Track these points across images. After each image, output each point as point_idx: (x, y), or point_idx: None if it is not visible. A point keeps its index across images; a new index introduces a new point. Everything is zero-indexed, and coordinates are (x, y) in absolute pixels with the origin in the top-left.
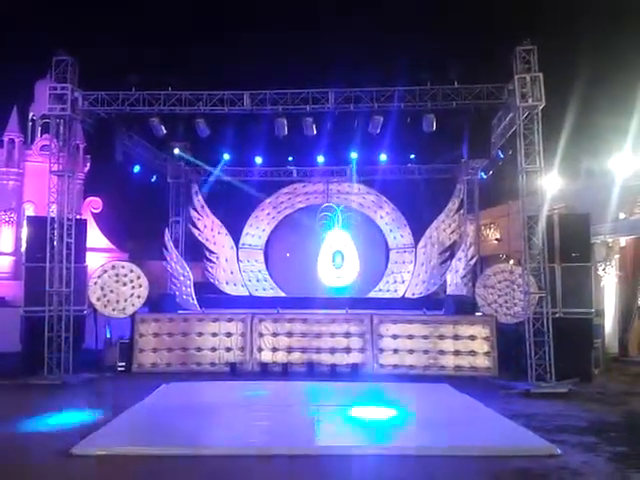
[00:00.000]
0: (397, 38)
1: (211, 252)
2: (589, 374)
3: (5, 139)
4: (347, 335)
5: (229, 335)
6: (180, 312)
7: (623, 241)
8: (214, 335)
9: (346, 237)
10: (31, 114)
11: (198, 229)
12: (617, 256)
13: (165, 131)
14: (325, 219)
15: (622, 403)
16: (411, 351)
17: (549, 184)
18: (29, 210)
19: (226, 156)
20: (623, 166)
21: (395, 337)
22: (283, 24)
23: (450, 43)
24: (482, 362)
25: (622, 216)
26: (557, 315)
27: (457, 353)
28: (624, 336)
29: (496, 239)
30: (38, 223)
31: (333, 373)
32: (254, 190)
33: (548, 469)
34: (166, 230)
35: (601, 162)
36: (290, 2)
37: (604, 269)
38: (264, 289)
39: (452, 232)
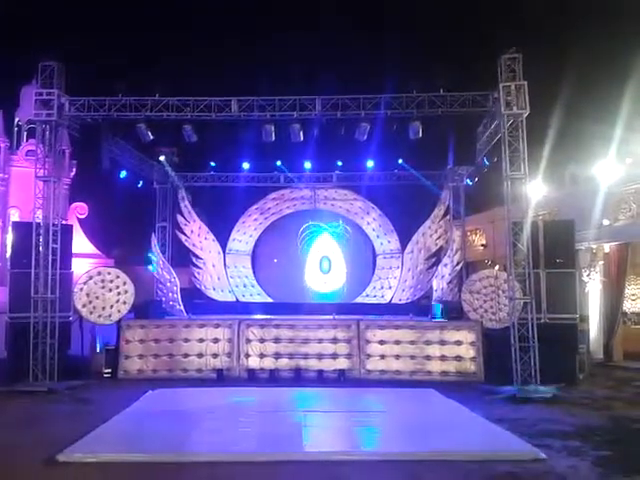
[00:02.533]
0: (384, 46)
1: (198, 258)
2: (574, 379)
3: None
4: (334, 341)
5: (216, 341)
6: (167, 318)
7: (607, 247)
8: (201, 341)
9: (333, 243)
10: (17, 119)
11: (185, 234)
12: (601, 262)
13: (152, 137)
14: (309, 235)
15: (606, 408)
16: (398, 356)
17: (534, 191)
18: (14, 215)
19: (213, 164)
20: (607, 173)
21: (382, 343)
22: (270, 31)
23: (436, 51)
24: (468, 367)
25: (606, 222)
26: (542, 320)
27: (443, 358)
28: (608, 342)
29: (482, 245)
30: (23, 229)
31: (320, 379)
32: (241, 196)
33: (533, 473)
34: (153, 236)
35: (585, 169)
36: (278, 11)
37: (588, 275)
38: (251, 295)
39: (438, 238)
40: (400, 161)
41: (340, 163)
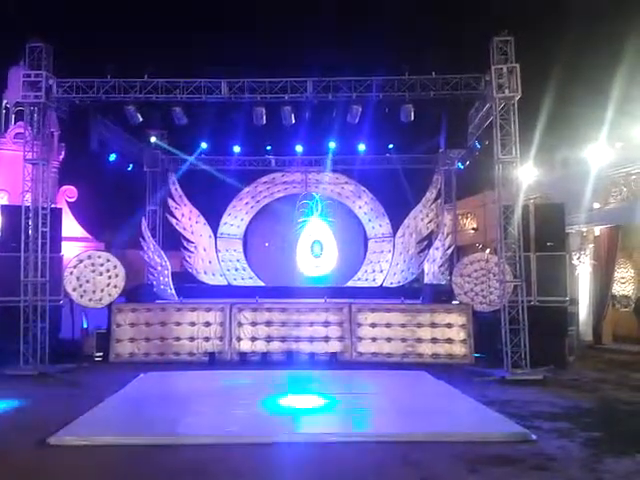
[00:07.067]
0: (375, 28)
1: (189, 241)
2: (564, 361)
3: None
4: (326, 324)
5: (208, 325)
6: (158, 302)
7: (597, 231)
8: (192, 325)
9: (325, 227)
10: (4, 101)
11: (176, 218)
12: (591, 245)
13: (141, 119)
14: (305, 207)
15: (595, 390)
16: (389, 339)
17: (525, 174)
18: (3, 199)
19: (203, 145)
20: (598, 156)
21: (373, 326)
22: (261, 12)
23: (428, 33)
24: (459, 350)
25: (597, 206)
26: (532, 303)
27: (434, 341)
28: (598, 324)
29: (473, 228)
30: (12, 212)
31: (312, 362)
32: (232, 179)
33: (523, 455)
34: (143, 219)
35: (576, 152)
36: None
37: (579, 258)
38: (243, 278)
39: (430, 222)
40: (390, 146)
41: (333, 145)
